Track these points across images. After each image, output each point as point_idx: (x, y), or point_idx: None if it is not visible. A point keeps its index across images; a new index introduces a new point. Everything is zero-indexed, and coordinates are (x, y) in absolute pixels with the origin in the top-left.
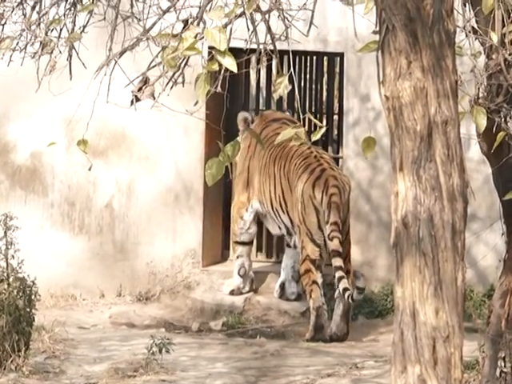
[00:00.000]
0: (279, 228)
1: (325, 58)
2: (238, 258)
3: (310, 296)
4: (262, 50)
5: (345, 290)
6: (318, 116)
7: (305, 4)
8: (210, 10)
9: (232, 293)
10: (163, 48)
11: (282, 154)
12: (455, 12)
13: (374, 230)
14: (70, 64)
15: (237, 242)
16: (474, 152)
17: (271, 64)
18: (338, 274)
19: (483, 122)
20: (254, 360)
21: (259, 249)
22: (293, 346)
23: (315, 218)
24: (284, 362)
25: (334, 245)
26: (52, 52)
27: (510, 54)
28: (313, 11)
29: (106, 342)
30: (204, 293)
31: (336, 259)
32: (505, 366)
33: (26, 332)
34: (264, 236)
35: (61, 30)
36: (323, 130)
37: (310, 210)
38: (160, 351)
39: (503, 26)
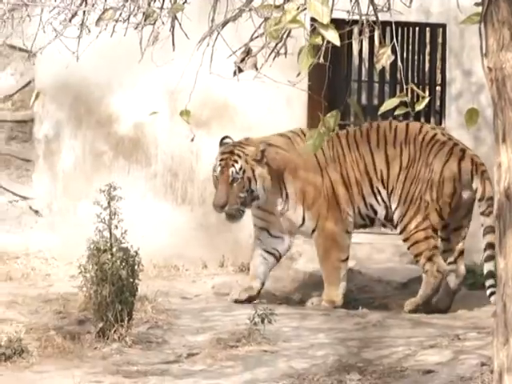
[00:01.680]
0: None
1: (427, 29)
2: None
3: (431, 260)
4: (365, 21)
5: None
6: (420, 87)
7: None
8: None
9: None
10: (266, 19)
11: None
12: None
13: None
14: (173, 35)
15: None
16: None
17: (373, 35)
18: (490, 251)
19: None
20: (356, 331)
21: None
22: (395, 316)
23: (450, 197)
24: (386, 333)
25: (491, 220)
26: (155, 23)
27: None
28: None
29: (209, 312)
30: (306, 263)
31: (491, 235)
32: None
33: (128, 302)
34: None
35: (163, 0)
36: (426, 100)
37: (448, 189)
38: (262, 322)
39: None
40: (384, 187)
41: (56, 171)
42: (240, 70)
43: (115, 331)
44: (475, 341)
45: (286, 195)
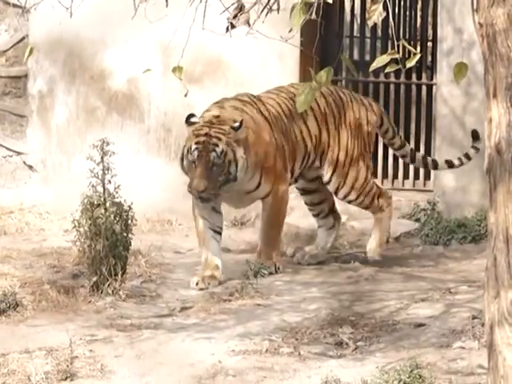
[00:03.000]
0: None
1: None
2: None
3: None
4: None
5: None
6: (412, 43)
7: None
8: None
9: None
10: None
11: None
12: None
13: None
14: None
15: None
16: None
17: None
18: None
19: None
20: (348, 285)
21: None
22: (387, 270)
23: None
24: (378, 287)
25: None
26: None
27: None
28: None
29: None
30: (299, 218)
31: None
32: None
33: (122, 256)
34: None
35: None
36: (418, 56)
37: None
38: (255, 276)
39: None
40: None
41: (50, 127)
42: (233, 26)
43: (109, 285)
44: (466, 294)
45: (247, 166)
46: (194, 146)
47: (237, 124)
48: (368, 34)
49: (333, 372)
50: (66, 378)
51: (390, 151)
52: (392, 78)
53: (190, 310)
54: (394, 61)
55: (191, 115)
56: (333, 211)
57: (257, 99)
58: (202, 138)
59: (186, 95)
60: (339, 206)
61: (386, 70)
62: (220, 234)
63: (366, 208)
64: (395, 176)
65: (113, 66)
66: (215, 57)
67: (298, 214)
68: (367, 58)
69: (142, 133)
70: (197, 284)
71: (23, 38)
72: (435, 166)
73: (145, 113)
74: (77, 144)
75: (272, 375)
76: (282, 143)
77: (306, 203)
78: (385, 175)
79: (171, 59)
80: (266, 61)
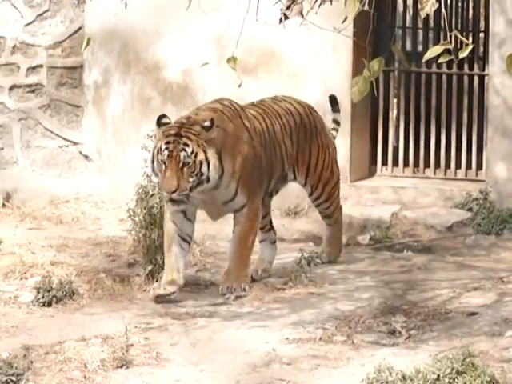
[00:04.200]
0: None
1: None
2: None
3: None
4: None
5: None
6: (464, 34)
7: None
8: None
9: None
10: None
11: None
12: None
13: None
14: None
15: None
16: None
17: None
18: None
19: None
20: (400, 274)
21: (406, 163)
22: (439, 259)
23: None
24: (430, 276)
25: None
26: None
27: None
28: None
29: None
30: (352, 207)
31: None
32: None
33: None
34: (411, 150)
35: None
36: (470, 47)
37: None
38: (309, 264)
39: None
40: None
41: (105, 117)
42: (286, 17)
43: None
44: None
45: (222, 171)
46: (163, 146)
47: (207, 123)
48: (420, 25)
49: (386, 360)
50: (121, 366)
51: (443, 141)
52: (444, 69)
53: (244, 298)
54: (447, 51)
55: (162, 116)
56: (272, 227)
57: (239, 107)
58: (172, 138)
59: (239, 86)
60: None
61: (439, 61)
62: (188, 243)
63: (327, 216)
64: (447, 166)
65: (167, 56)
66: (269, 48)
67: (351, 204)
68: (419, 48)
69: None
70: (153, 289)
71: (79, 29)
72: None
73: (199, 103)
74: (132, 134)
75: (326, 363)
76: (260, 156)
77: None
78: (437, 165)
79: (225, 50)
80: (319, 52)
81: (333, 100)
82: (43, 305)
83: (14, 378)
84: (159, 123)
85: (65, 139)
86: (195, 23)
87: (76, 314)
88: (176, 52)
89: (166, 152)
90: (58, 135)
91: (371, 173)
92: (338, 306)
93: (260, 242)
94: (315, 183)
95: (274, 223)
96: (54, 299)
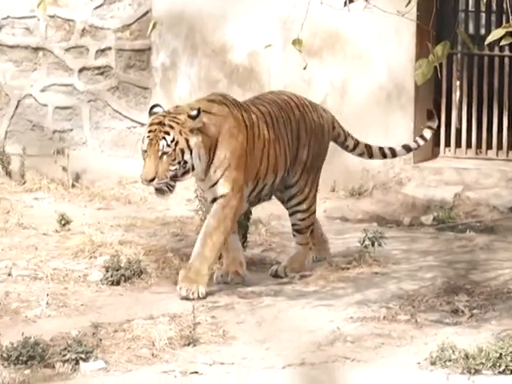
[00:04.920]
0: None
1: None
2: None
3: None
4: None
5: None
6: None
7: None
8: None
9: None
10: None
11: None
12: None
13: None
14: None
15: None
16: None
17: None
18: None
19: None
20: (463, 254)
21: (468, 145)
22: (502, 240)
23: None
24: (493, 256)
25: None
26: None
27: None
28: None
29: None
30: (415, 188)
31: None
32: None
33: (243, 225)
34: (474, 132)
35: None
36: None
37: None
38: (373, 244)
39: None
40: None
41: (172, 98)
42: (350, 1)
43: None
44: None
45: (212, 159)
46: (146, 135)
47: (194, 112)
48: (483, 8)
49: (449, 339)
50: (188, 344)
51: (505, 122)
52: (506, 52)
53: (309, 277)
54: (509, 34)
55: (155, 105)
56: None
57: (239, 102)
58: (154, 127)
59: (305, 68)
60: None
61: (501, 43)
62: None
63: (299, 231)
64: (510, 147)
65: (234, 39)
66: (333, 31)
67: (414, 184)
68: (482, 32)
69: None
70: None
71: (146, 13)
72: (393, 153)
73: (265, 85)
74: None
75: (389, 342)
76: (258, 158)
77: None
78: (499, 146)
79: (290, 33)
80: (383, 35)
81: (429, 114)
82: (112, 283)
83: (83, 356)
84: (150, 112)
85: (133, 120)
86: (261, 6)
87: (144, 292)
88: (242, 35)
89: (147, 141)
90: (126, 117)
91: (434, 154)
92: (401, 286)
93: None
94: (303, 186)
95: (338, 203)
96: (123, 278)
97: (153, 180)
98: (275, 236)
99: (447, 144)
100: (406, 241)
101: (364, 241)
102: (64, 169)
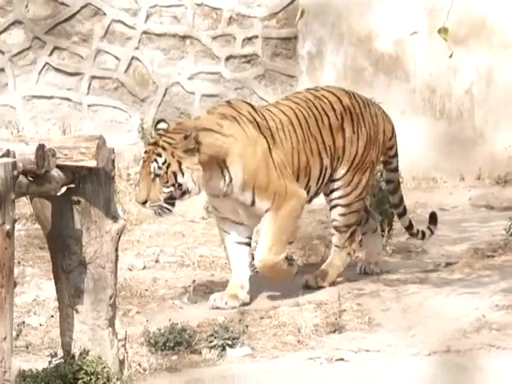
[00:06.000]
0: None
1: None
2: None
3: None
4: None
5: None
6: None
7: None
8: None
9: None
10: None
11: None
12: None
13: None
14: None
15: None
16: None
17: None
18: None
19: None
20: None
21: None
22: None
23: None
24: None
25: None
26: None
27: None
28: None
29: (466, 223)
30: None
31: None
32: None
33: (389, 213)
34: None
35: None
36: None
37: None
38: None
39: None
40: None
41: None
42: None
43: None
44: None
45: (230, 179)
46: (142, 155)
47: (186, 133)
48: None
49: None
50: (334, 331)
51: None
52: None
53: (454, 265)
54: None
55: (160, 121)
56: (368, 212)
57: (254, 110)
58: (149, 148)
59: (450, 56)
60: None
61: None
62: (246, 244)
63: (338, 229)
64: None
65: (379, 27)
66: (479, 19)
67: None
68: None
69: (408, 93)
70: (214, 301)
71: (293, 1)
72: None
73: (410, 74)
74: None
75: None
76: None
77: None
78: None
79: (436, 21)
80: None
81: (432, 217)
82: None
83: (229, 342)
84: (156, 128)
85: None
86: None
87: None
88: (388, 23)
89: (141, 162)
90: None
91: None
92: None
93: (362, 235)
94: (348, 181)
95: (483, 191)
96: None
97: (145, 203)
98: (421, 224)
99: None
100: None
101: (510, 229)
102: None
